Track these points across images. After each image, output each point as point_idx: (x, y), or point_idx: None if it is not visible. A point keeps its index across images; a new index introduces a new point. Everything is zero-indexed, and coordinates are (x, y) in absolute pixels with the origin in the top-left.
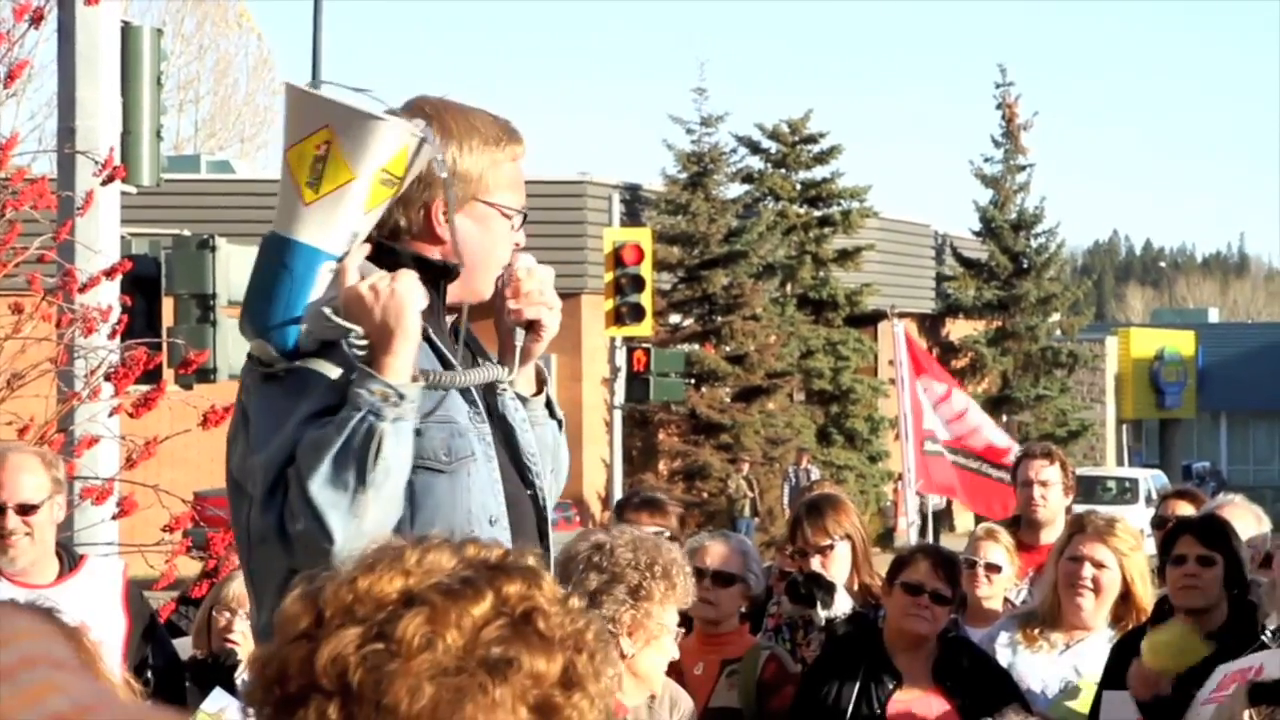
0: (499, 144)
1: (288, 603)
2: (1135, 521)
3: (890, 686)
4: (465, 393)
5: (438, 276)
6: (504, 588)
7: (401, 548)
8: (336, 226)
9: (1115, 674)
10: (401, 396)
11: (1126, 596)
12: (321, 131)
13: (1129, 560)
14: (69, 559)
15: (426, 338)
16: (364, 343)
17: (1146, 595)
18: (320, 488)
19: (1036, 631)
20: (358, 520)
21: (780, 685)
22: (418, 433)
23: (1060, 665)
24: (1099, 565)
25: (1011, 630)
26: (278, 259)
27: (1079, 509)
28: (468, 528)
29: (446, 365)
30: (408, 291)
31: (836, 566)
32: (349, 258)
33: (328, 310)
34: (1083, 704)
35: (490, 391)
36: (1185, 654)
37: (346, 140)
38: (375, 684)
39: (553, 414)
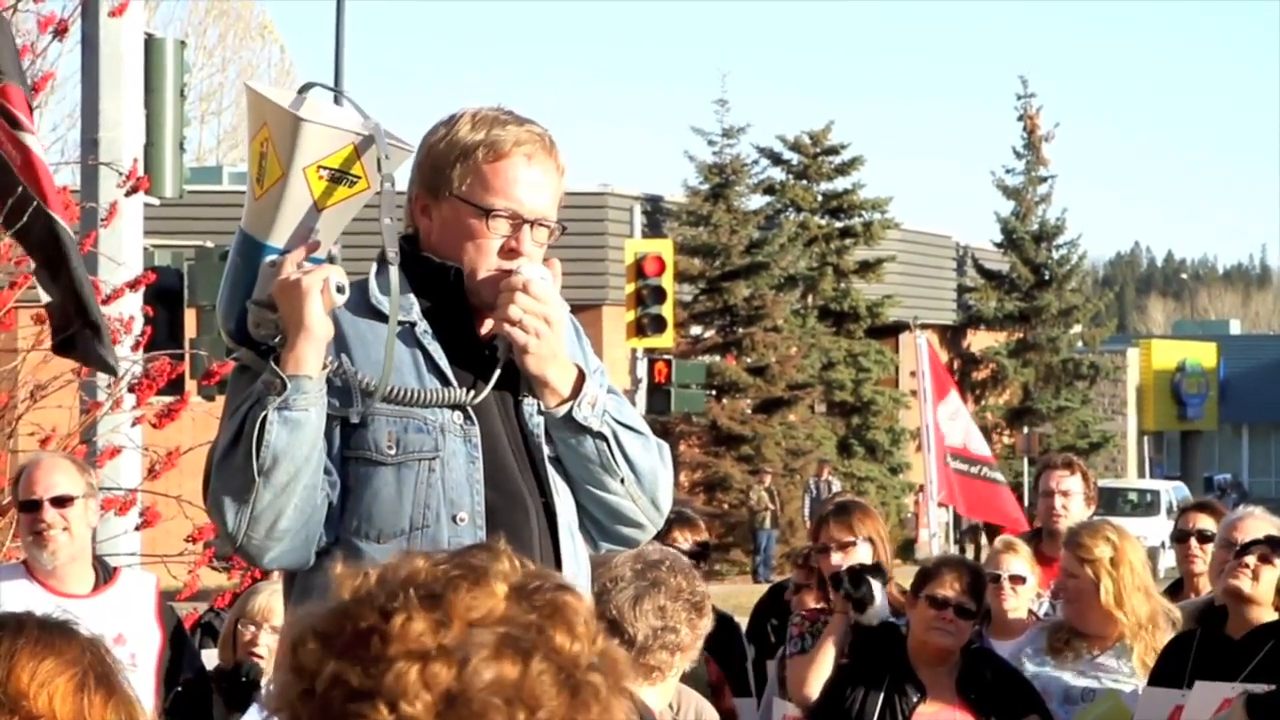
0: (489, 144)
1: (348, 605)
2: (1156, 533)
3: (914, 699)
4: (454, 390)
5: (439, 278)
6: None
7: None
8: (281, 220)
9: (1164, 673)
10: (285, 385)
11: (1117, 600)
12: (262, 130)
13: (1098, 565)
14: (104, 571)
15: (419, 342)
16: (279, 332)
17: (1127, 597)
18: (216, 474)
19: (1064, 642)
20: (248, 506)
21: (723, 687)
22: (362, 424)
23: (1085, 675)
24: (1070, 575)
25: (1039, 641)
26: (234, 249)
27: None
28: (421, 522)
29: (439, 372)
30: (310, 284)
31: (859, 559)
32: (291, 253)
33: (249, 303)
34: (1105, 711)
35: (514, 395)
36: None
37: (277, 138)
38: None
39: (582, 429)
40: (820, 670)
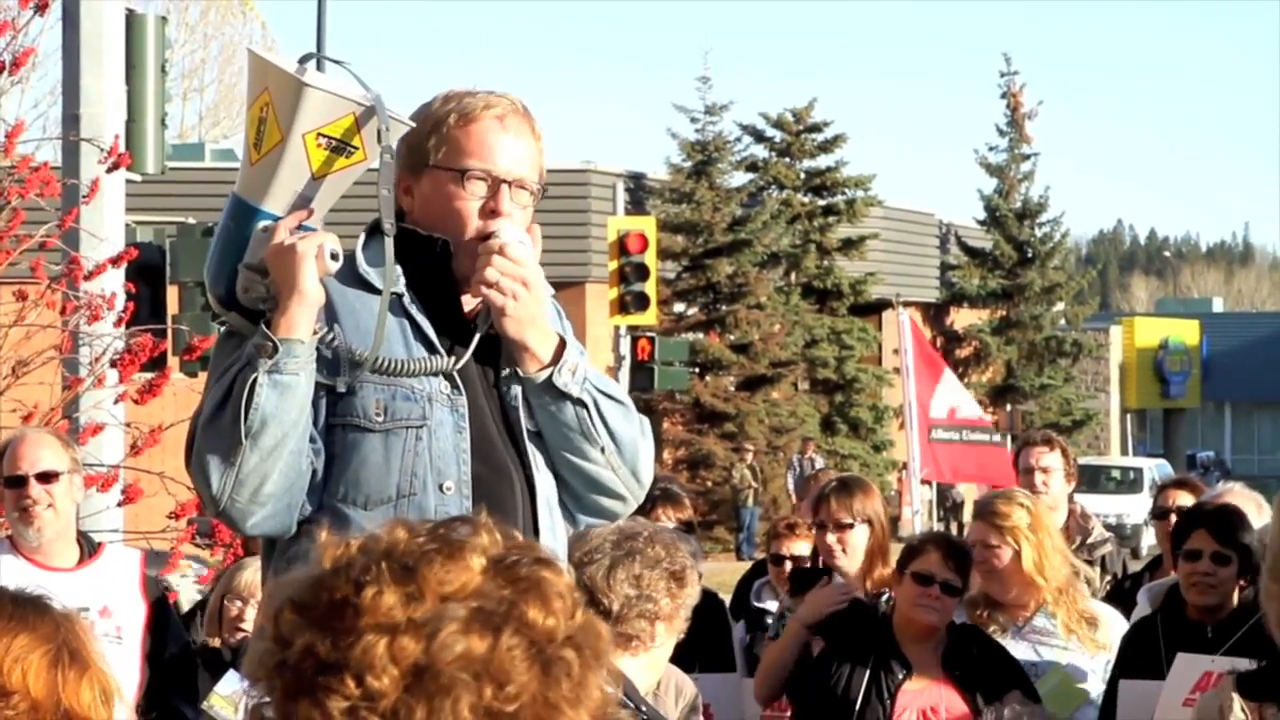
0: (460, 111)
1: (325, 575)
2: (1138, 511)
3: (900, 676)
4: (438, 358)
5: (425, 251)
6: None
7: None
8: (276, 186)
9: (1131, 661)
10: (276, 348)
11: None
12: (263, 94)
13: (1017, 534)
14: (89, 546)
15: (406, 312)
16: (268, 297)
17: (1047, 565)
18: (202, 436)
19: (984, 615)
20: (234, 469)
21: None
22: (350, 391)
23: (1019, 647)
24: (987, 546)
25: (960, 618)
26: (226, 214)
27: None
28: (408, 490)
29: (426, 341)
30: (305, 249)
31: (853, 544)
32: (284, 219)
33: (241, 266)
34: (1055, 686)
35: (496, 368)
36: (1069, 699)
37: (279, 103)
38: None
39: (563, 395)
40: (774, 672)
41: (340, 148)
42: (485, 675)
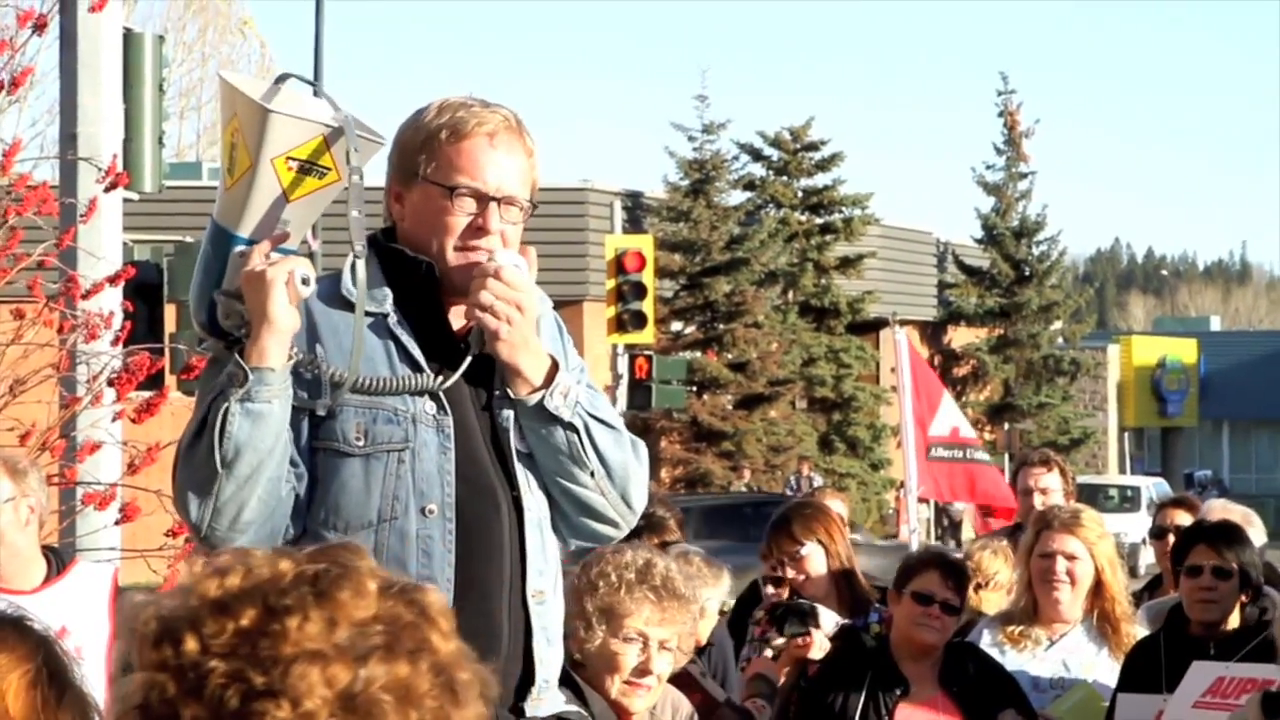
0: (452, 126)
1: (229, 601)
2: (1137, 529)
3: (897, 693)
4: (423, 376)
5: (413, 271)
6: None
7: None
8: (250, 211)
9: (1132, 677)
10: (247, 376)
11: (1099, 585)
12: (233, 120)
13: (1098, 548)
14: (57, 563)
15: (392, 333)
16: (245, 323)
17: (1117, 582)
18: (181, 465)
19: (1017, 631)
20: (211, 498)
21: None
22: (331, 414)
23: (1048, 662)
24: (1071, 557)
25: (993, 632)
26: (205, 240)
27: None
28: (389, 514)
29: (412, 361)
30: (275, 276)
31: (811, 568)
32: (259, 244)
33: (216, 294)
34: (1080, 700)
35: (488, 389)
36: (1093, 715)
37: (246, 129)
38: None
39: (553, 418)
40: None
41: (310, 169)
42: (406, 700)
